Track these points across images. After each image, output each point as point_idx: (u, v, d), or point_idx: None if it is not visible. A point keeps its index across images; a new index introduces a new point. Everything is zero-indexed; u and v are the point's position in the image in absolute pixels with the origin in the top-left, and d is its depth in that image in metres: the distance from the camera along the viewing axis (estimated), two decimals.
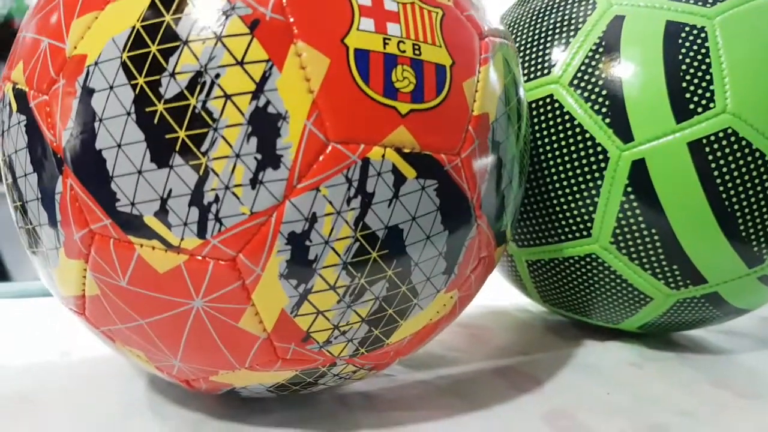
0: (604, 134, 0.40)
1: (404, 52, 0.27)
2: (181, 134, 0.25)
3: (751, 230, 0.39)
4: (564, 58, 0.42)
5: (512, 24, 0.46)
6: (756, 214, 0.39)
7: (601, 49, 0.41)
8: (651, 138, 0.39)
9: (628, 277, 0.42)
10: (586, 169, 0.40)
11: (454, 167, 0.28)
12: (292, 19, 0.26)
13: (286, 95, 0.25)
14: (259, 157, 0.25)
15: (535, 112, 0.42)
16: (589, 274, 0.43)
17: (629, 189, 0.40)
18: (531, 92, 0.43)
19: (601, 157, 0.40)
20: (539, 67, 0.43)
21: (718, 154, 0.38)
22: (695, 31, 0.39)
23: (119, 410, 0.35)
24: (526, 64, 0.44)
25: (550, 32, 0.43)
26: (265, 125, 0.25)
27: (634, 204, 0.40)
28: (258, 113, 0.25)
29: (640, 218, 0.40)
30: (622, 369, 0.44)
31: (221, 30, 0.25)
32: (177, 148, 0.25)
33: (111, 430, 0.33)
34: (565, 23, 0.43)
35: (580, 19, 0.42)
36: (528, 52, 0.44)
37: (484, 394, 0.39)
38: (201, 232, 0.26)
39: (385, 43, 0.27)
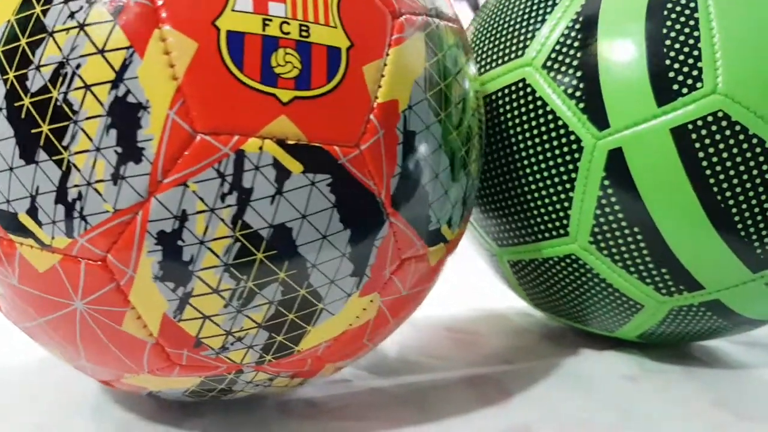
0: (577, 121, 0.36)
1: (288, 33, 0.24)
2: (45, 128, 0.24)
3: (752, 229, 0.34)
4: (539, 37, 0.38)
5: (496, 6, 0.42)
6: (757, 210, 0.34)
7: (577, 26, 0.36)
8: (629, 124, 0.34)
9: (613, 281, 0.38)
10: (560, 160, 0.36)
11: (353, 160, 0.26)
12: (160, 2, 0.24)
13: (147, 83, 0.23)
14: (119, 150, 0.23)
15: (507, 99, 0.39)
16: (572, 277, 0.39)
17: (606, 182, 0.35)
18: (504, 77, 0.39)
19: (575, 146, 0.36)
20: (513, 48, 0.39)
21: (707, 141, 0.33)
22: (684, 0, 0.34)
23: (62, 406, 0.35)
24: (502, 46, 0.40)
25: (527, 10, 0.39)
26: (125, 116, 0.23)
27: (613, 199, 0.35)
28: (118, 103, 0.23)
29: (620, 215, 0.35)
30: (614, 382, 0.40)
31: (84, 18, 0.24)
32: (41, 143, 0.24)
33: (45, 424, 0.32)
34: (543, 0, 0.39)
35: None
36: (505, 33, 0.40)
37: (442, 406, 0.36)
38: (69, 231, 0.24)
39: (264, 25, 0.24)
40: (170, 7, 0.24)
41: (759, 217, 0.34)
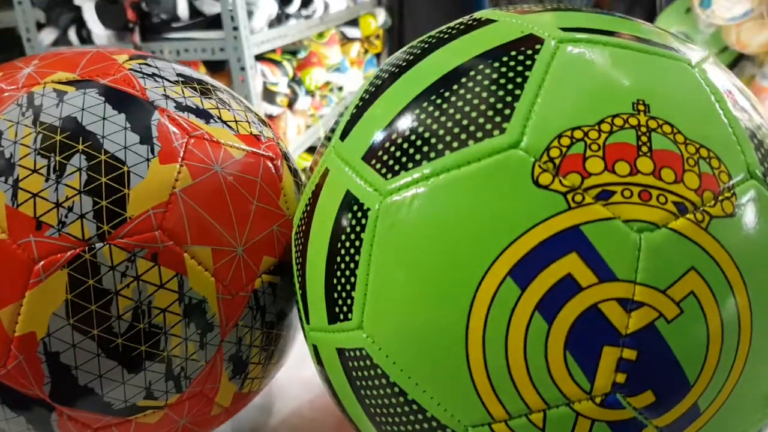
0: (301, 311, 0.36)
1: None
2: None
3: None
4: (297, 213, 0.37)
5: None
6: None
7: (308, 208, 0.35)
8: (317, 328, 0.34)
9: None
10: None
11: (4, 376, 0.34)
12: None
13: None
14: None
15: None
16: None
17: (318, 368, 0.36)
18: None
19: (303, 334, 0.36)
20: None
21: (360, 374, 0.31)
22: (363, 210, 0.31)
23: None
24: None
25: None
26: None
27: (326, 385, 0.36)
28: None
29: (336, 401, 0.36)
30: None
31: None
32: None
33: None
34: None
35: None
36: None
37: None
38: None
39: None
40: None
41: None
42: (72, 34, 1.48)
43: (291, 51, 2.01)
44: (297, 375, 0.55)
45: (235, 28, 1.49)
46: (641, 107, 0.27)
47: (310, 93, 2.05)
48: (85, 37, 1.49)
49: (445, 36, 0.33)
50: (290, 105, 1.92)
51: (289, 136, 1.90)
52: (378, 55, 2.96)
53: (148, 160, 0.36)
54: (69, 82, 0.38)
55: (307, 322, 0.34)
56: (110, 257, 0.34)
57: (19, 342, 0.34)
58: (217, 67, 1.63)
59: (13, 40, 1.73)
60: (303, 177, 0.45)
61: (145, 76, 0.40)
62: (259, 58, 1.73)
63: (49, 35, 1.51)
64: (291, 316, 0.44)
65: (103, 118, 0.36)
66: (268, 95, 1.78)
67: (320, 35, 2.19)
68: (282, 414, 0.51)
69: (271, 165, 0.42)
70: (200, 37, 1.52)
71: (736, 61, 2.21)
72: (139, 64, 0.41)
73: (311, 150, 2.26)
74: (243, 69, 1.55)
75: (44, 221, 0.34)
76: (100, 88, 0.38)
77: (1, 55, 2.16)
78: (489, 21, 0.33)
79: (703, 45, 1.99)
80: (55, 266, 0.33)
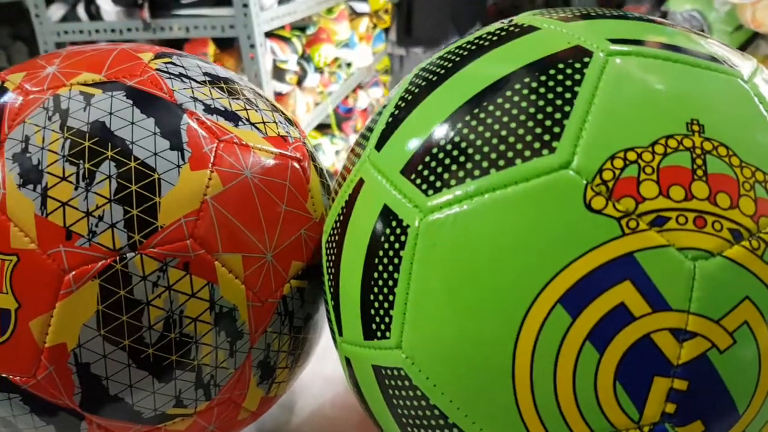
0: (333, 322, 0.35)
1: None
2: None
3: None
4: (330, 216, 0.37)
5: None
6: None
7: (341, 218, 0.34)
8: (350, 341, 0.33)
9: None
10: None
11: (33, 386, 0.34)
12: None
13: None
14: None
15: None
16: None
17: (349, 380, 0.35)
18: None
19: (334, 343, 0.36)
20: None
21: (398, 393, 0.31)
22: (402, 226, 0.30)
23: None
24: None
25: None
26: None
27: (358, 397, 0.35)
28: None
29: (368, 414, 0.35)
30: None
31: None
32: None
33: None
34: None
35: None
36: None
37: None
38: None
39: None
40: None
41: None
42: (81, 9, 1.46)
43: (300, 27, 1.98)
44: (319, 371, 0.54)
45: (245, 5, 1.47)
46: (696, 128, 0.26)
47: (319, 70, 2.03)
48: (94, 13, 1.47)
49: (485, 43, 0.32)
50: (299, 82, 1.90)
51: (298, 114, 1.88)
52: (386, 30, 2.92)
53: (178, 166, 0.35)
54: (95, 84, 0.37)
55: (340, 334, 0.34)
56: (142, 267, 0.33)
57: (49, 353, 0.33)
58: (226, 45, 1.61)
59: (20, 15, 1.71)
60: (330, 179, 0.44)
61: (172, 76, 0.39)
62: (269, 35, 1.71)
63: (57, 11, 1.49)
64: (317, 319, 0.43)
65: (132, 123, 0.35)
66: (278, 73, 1.76)
67: (329, 10, 2.16)
68: (305, 413, 0.51)
69: (298, 167, 0.41)
70: (210, 13, 1.50)
71: (751, 40, 2.18)
72: (165, 63, 0.40)
73: (320, 128, 2.24)
74: (253, 46, 1.52)
75: (74, 231, 0.33)
76: (127, 90, 0.37)
77: (9, 29, 2.13)
78: (532, 28, 0.32)
79: (717, 23, 1.95)
80: (86, 277, 0.33)
